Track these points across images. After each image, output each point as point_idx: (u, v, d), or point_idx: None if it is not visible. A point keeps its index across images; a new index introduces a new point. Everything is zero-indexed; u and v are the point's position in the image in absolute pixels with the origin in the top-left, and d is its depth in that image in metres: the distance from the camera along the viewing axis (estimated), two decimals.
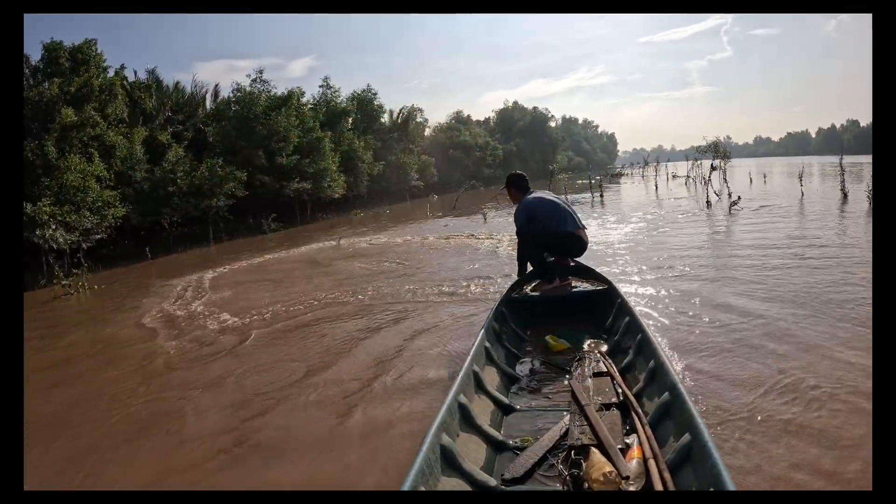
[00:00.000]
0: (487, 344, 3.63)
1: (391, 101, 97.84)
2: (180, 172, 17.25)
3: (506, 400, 3.13)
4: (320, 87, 29.66)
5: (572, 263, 5.32)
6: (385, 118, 35.32)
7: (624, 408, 2.75)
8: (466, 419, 2.65)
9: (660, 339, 4.15)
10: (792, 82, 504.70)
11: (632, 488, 2.03)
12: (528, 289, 5.03)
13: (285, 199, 21.82)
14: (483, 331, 3.74)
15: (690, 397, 2.46)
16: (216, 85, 25.18)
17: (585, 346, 3.77)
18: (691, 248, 9.10)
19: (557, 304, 4.73)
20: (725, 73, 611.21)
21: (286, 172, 21.51)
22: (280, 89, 23.14)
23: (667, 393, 2.60)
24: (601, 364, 3.32)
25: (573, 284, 4.99)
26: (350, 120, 30.36)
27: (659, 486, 2.00)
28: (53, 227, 12.44)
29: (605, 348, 3.75)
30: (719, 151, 21.02)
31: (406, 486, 1.92)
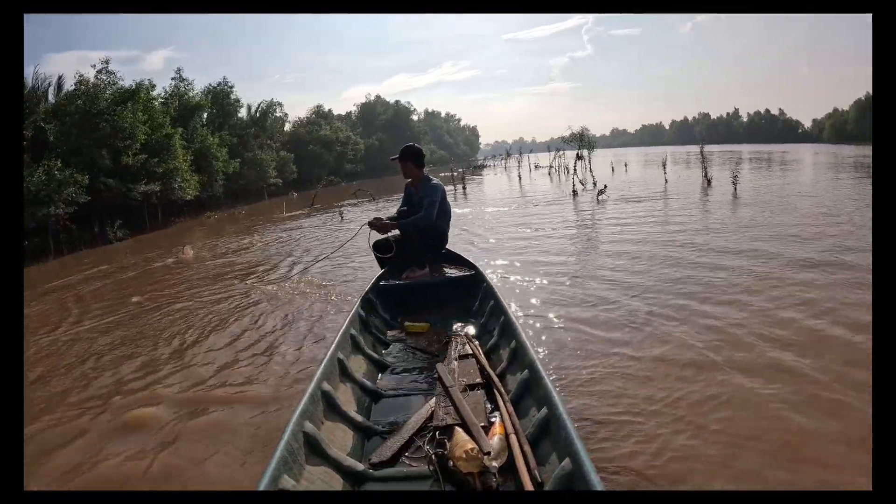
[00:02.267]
0: (353, 331, 3.61)
1: (253, 97, 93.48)
2: None
3: (373, 386, 3.14)
4: (173, 79, 27.92)
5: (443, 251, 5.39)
6: (242, 113, 34.12)
7: (489, 387, 2.85)
8: (331, 406, 2.64)
9: (521, 320, 4.49)
10: (649, 79, 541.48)
11: (494, 463, 2.11)
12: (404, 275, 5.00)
13: (133, 202, 20.23)
14: (349, 318, 3.73)
15: (548, 372, 2.63)
16: (59, 77, 22.38)
17: (453, 330, 3.84)
18: (565, 240, 9.38)
19: (427, 291, 4.75)
20: (585, 69, 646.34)
21: (133, 174, 20.01)
22: (131, 82, 21.43)
23: (526, 370, 2.72)
24: (467, 347, 3.41)
25: (443, 270, 5.06)
26: (204, 115, 28.95)
27: (520, 460, 2.09)
28: None
29: (472, 331, 3.82)
30: (584, 141, 21.53)
31: (267, 475, 1.89)
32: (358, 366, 3.31)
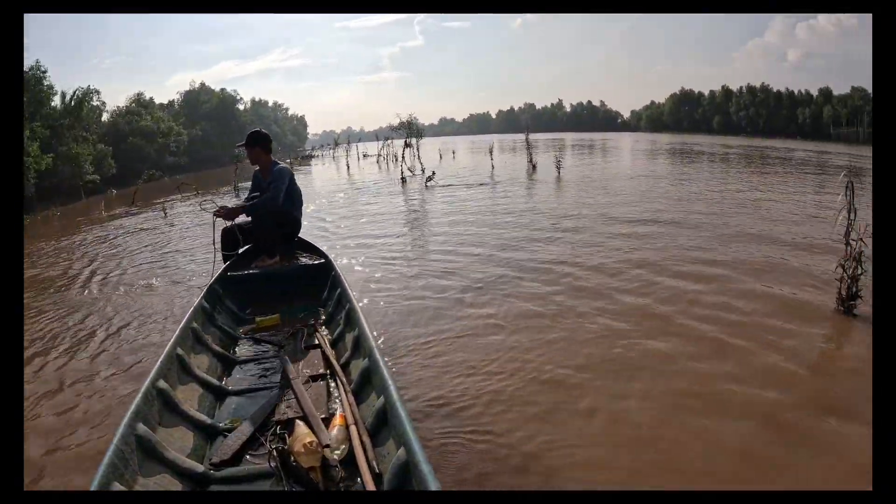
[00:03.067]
0: (195, 325, 3.36)
1: (69, 83, 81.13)
2: None
3: (218, 383, 2.96)
4: None
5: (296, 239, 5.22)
6: (56, 101, 30.43)
7: (333, 377, 2.82)
8: (169, 406, 2.48)
9: (364, 303, 4.75)
10: (478, 70, 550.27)
11: (335, 455, 2.08)
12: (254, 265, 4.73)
13: None
14: (191, 311, 3.46)
15: (388, 358, 2.67)
16: None
17: (301, 319, 3.78)
18: (395, 224, 9.68)
19: (277, 280, 4.52)
20: (416, 59, 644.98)
21: None
22: None
23: (367, 359, 2.68)
24: (314, 337, 3.38)
25: (294, 259, 4.89)
26: None
27: (359, 451, 2.08)
28: None
29: (320, 321, 3.77)
30: (412, 129, 21.68)
31: (95, 483, 1.77)
32: (201, 362, 3.11)
